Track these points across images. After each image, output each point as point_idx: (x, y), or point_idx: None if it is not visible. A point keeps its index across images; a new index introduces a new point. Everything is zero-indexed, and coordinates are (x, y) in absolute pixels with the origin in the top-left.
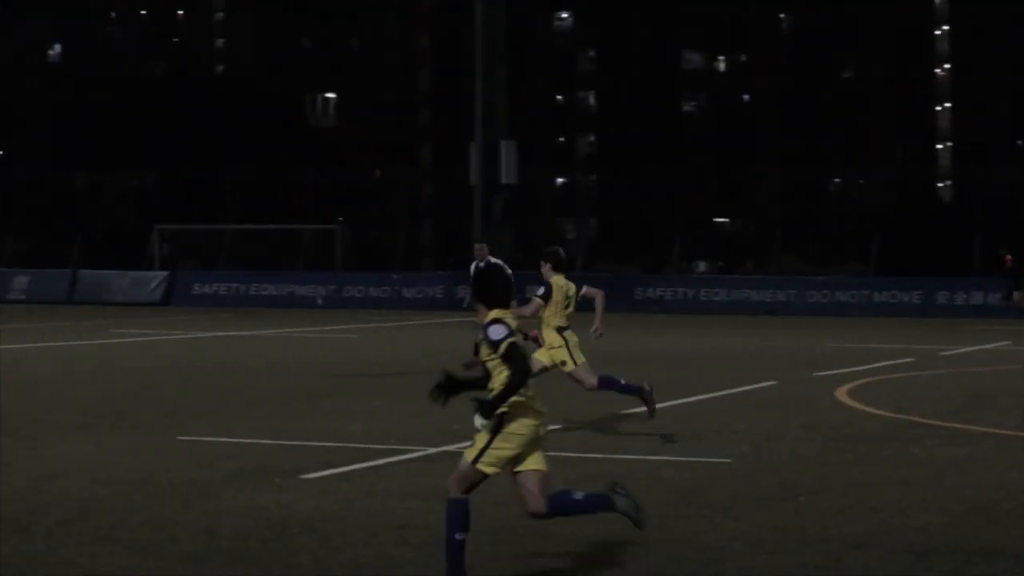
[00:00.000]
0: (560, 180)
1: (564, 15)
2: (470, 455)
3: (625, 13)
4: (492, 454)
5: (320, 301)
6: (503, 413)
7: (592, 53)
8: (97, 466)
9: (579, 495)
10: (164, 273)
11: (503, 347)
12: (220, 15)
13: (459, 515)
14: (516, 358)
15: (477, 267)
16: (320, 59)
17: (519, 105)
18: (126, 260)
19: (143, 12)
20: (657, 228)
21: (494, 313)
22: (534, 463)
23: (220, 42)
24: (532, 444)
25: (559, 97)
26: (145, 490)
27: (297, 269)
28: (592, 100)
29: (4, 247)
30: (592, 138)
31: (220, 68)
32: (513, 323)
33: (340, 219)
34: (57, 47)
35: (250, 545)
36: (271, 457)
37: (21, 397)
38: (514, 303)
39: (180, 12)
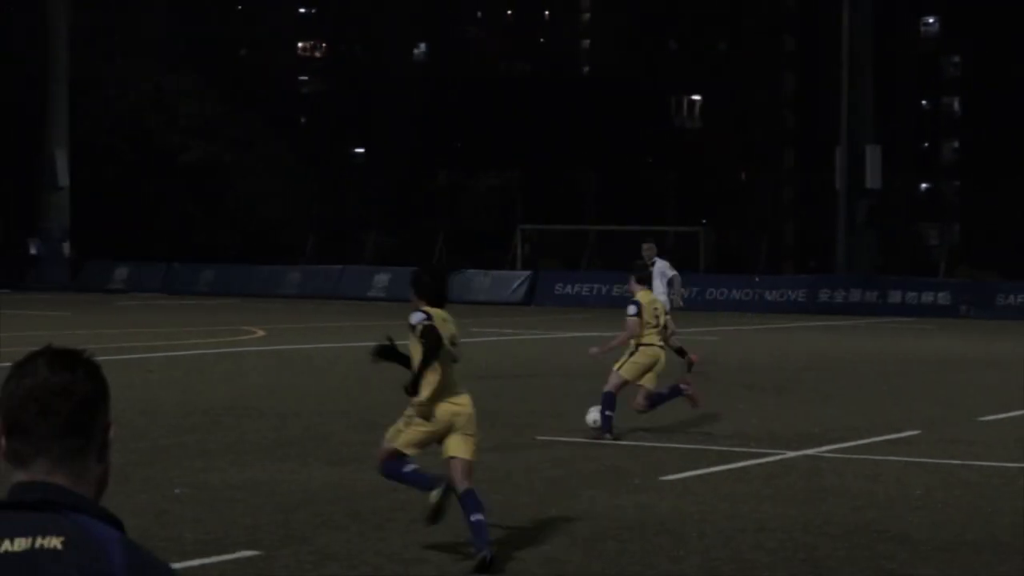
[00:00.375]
0: (924, 185)
1: (931, 20)
2: (393, 439)
3: (992, 19)
4: (407, 436)
5: (681, 303)
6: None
7: (957, 59)
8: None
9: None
10: (526, 273)
11: (419, 328)
12: (587, 16)
13: (396, 473)
14: (427, 338)
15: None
16: (686, 61)
17: (883, 110)
18: (488, 259)
19: (509, 12)
20: (1018, 235)
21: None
22: (455, 449)
23: (586, 43)
24: (449, 428)
25: (924, 102)
26: (503, 489)
27: None
28: (956, 106)
29: (366, 245)
30: (956, 144)
31: (586, 69)
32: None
33: (703, 221)
34: (422, 46)
35: (606, 545)
36: (629, 458)
37: (381, 393)
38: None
39: (546, 12)
